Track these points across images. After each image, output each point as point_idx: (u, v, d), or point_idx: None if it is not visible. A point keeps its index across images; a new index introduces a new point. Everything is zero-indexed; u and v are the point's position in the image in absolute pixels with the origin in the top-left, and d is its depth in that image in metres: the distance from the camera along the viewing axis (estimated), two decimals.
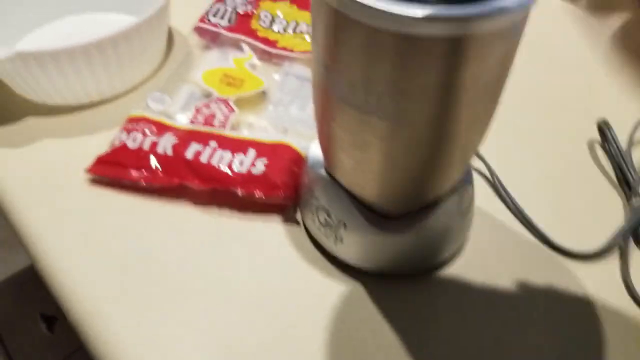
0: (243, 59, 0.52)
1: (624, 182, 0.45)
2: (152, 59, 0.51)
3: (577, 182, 0.46)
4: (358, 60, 0.27)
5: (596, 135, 0.49)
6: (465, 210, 0.39)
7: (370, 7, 0.24)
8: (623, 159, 0.46)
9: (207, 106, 0.47)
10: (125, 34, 0.45)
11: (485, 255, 0.40)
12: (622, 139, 0.48)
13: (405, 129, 0.29)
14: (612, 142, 0.47)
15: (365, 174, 0.33)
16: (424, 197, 0.35)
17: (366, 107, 0.28)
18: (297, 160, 0.43)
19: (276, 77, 0.52)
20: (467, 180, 0.38)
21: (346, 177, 0.35)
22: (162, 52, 0.54)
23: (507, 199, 0.44)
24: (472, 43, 0.25)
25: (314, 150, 0.40)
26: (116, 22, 0.57)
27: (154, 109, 0.47)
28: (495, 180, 0.45)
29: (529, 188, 0.45)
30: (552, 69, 0.57)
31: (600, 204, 0.44)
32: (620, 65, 0.57)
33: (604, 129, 0.47)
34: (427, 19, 0.23)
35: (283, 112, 0.49)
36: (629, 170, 0.45)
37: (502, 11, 0.24)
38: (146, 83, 0.52)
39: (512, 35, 0.27)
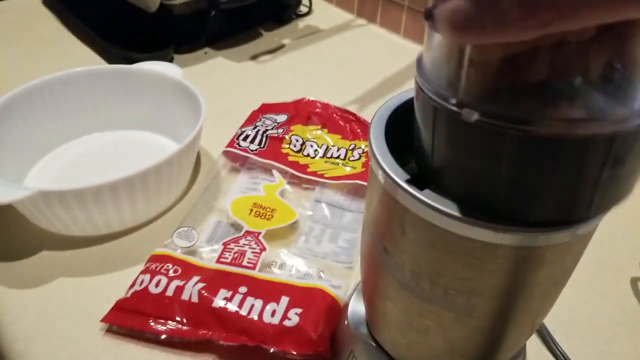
0: (274, 185, 0.50)
1: None
2: (179, 187, 0.50)
3: (627, 327, 0.42)
4: (427, 255, 0.24)
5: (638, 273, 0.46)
6: None
7: (454, 217, 0.22)
8: None
9: (236, 242, 0.44)
10: (155, 168, 0.43)
11: None
12: None
13: (471, 320, 0.26)
14: None
15: (421, 353, 0.30)
16: None
17: (430, 297, 0.26)
18: (333, 307, 0.40)
19: (306, 204, 0.50)
20: (521, 346, 0.35)
21: (396, 351, 0.32)
22: (189, 178, 0.52)
23: (556, 350, 0.40)
24: (550, 250, 0.23)
25: (355, 307, 0.36)
26: (143, 140, 0.56)
27: (180, 246, 0.44)
28: (543, 329, 0.41)
29: (576, 336, 0.41)
30: None
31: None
32: None
33: None
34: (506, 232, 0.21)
35: (315, 244, 0.46)
36: None
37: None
38: (172, 209, 0.50)
39: (592, 233, 0.24)
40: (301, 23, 0.81)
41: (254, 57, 0.72)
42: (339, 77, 0.69)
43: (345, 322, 0.37)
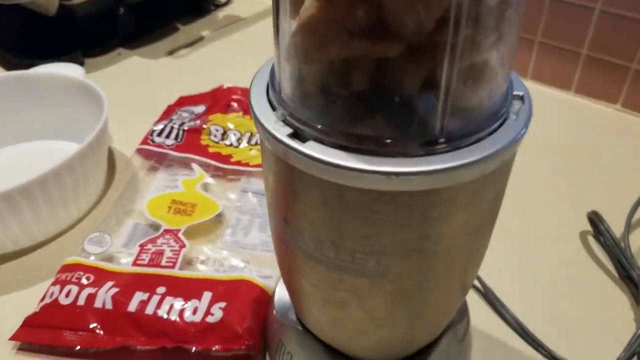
0: (193, 180, 0.47)
1: (627, 279, 0.41)
2: (90, 193, 0.46)
3: (577, 284, 0.41)
4: (325, 217, 0.22)
5: (587, 227, 0.45)
6: (462, 341, 0.33)
7: (338, 166, 0.19)
8: (623, 254, 0.41)
9: (154, 242, 0.41)
10: (54, 173, 0.39)
11: None
12: (616, 230, 0.44)
13: (388, 284, 0.24)
14: (607, 235, 0.42)
15: (346, 330, 0.27)
16: (416, 345, 0.29)
17: (338, 264, 0.23)
18: (262, 298, 0.37)
19: (232, 196, 0.47)
20: (461, 311, 0.33)
21: (323, 332, 0.29)
22: (102, 184, 0.48)
23: (505, 314, 0.39)
24: (457, 192, 0.20)
25: (280, 294, 0.34)
26: (49, 150, 0.52)
27: (92, 252, 0.40)
28: (489, 292, 0.40)
29: (526, 296, 0.40)
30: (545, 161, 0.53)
31: (605, 305, 0.39)
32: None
33: (595, 221, 0.43)
34: (402, 175, 0.19)
35: (242, 236, 0.43)
36: (631, 266, 0.40)
37: (489, 158, 0.20)
38: (85, 218, 0.46)
39: (505, 172, 0.22)
40: (221, 13, 0.78)
41: (171, 53, 0.68)
42: (259, 64, 0.66)
43: (274, 312, 0.34)
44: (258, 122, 0.22)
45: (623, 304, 0.39)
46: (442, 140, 0.20)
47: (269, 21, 0.77)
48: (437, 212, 0.21)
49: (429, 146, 0.20)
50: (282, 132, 0.21)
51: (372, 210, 0.21)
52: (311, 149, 0.20)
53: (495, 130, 0.21)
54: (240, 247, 0.42)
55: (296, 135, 0.21)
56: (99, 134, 0.43)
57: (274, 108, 0.22)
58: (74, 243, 0.42)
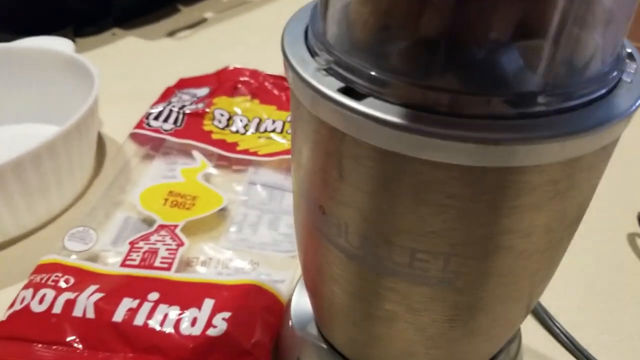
0: (194, 169, 0.41)
1: None
2: (74, 183, 0.40)
3: (630, 291, 0.35)
4: (380, 203, 0.16)
5: (636, 229, 0.40)
6: None
7: (412, 130, 0.14)
8: None
9: (146, 239, 0.35)
10: (33, 156, 0.34)
11: None
12: None
13: (453, 295, 0.18)
14: None
15: (387, 351, 0.21)
16: None
17: (391, 268, 0.17)
18: (274, 306, 0.31)
19: (238, 188, 0.41)
20: None
21: (354, 352, 0.23)
22: (89, 172, 0.42)
23: (554, 328, 0.33)
24: (562, 171, 0.15)
25: (299, 302, 0.28)
26: (38, 136, 0.46)
27: (73, 250, 0.34)
28: (539, 309, 0.34)
29: (575, 307, 0.34)
30: None
31: None
32: None
33: None
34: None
35: (250, 233, 0.37)
36: None
37: (609, 125, 0.14)
38: (69, 210, 0.40)
39: (610, 153, 0.17)
40: None
41: (171, 34, 0.63)
42: (270, 47, 0.61)
43: (290, 323, 0.28)
44: (294, 72, 0.16)
45: None
46: (542, 100, 0.14)
47: (277, 3, 0.71)
48: (534, 197, 0.15)
49: (524, 107, 0.14)
50: (328, 85, 0.15)
51: (448, 193, 0.15)
52: (371, 106, 0.14)
53: (609, 92, 0.16)
54: (248, 246, 0.36)
55: (348, 90, 0.15)
56: (87, 114, 0.37)
57: (314, 55, 0.17)
58: (54, 239, 0.37)
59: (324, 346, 0.25)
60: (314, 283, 0.23)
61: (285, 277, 0.34)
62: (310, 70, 0.16)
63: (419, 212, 0.16)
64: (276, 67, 0.55)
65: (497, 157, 0.14)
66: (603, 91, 0.15)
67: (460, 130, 0.14)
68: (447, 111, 0.14)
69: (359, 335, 0.22)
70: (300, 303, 0.28)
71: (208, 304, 0.30)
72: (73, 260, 0.33)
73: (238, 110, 0.46)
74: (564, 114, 0.14)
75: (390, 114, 0.14)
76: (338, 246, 0.18)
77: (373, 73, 0.15)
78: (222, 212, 0.38)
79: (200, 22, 0.65)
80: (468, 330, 0.20)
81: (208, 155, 0.43)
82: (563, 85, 0.14)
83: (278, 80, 0.49)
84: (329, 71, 0.16)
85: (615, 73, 0.16)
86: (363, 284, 0.19)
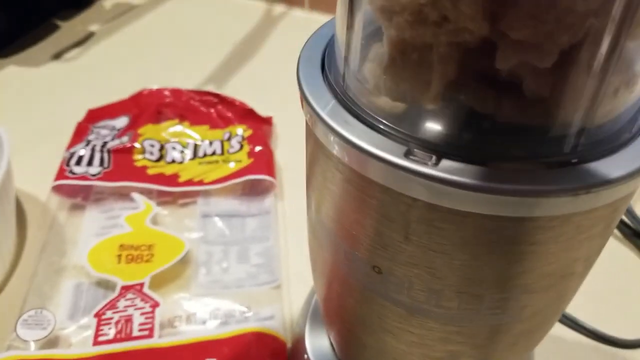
0: (140, 214, 0.37)
1: (638, 238, 0.38)
2: (2, 255, 0.34)
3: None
4: (453, 260, 0.15)
5: None
6: None
7: (507, 192, 0.13)
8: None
9: (114, 307, 0.31)
10: None
11: None
12: None
13: (519, 325, 0.18)
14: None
15: None
16: None
17: (459, 315, 0.17)
18: (277, 351, 0.29)
19: (191, 224, 0.38)
20: None
21: None
22: (14, 239, 0.36)
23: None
24: (619, 204, 0.15)
25: (316, 343, 0.27)
26: None
27: (32, 339, 0.30)
28: None
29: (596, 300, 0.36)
30: None
31: (621, 267, 0.36)
32: None
33: None
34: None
35: (220, 273, 0.35)
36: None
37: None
38: (4, 290, 0.34)
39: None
40: (108, 3, 0.65)
41: (57, 56, 0.55)
42: (178, 57, 0.56)
43: (305, 357, 0.27)
44: (341, 138, 0.15)
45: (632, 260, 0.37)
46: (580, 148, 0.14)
47: (166, 6, 0.66)
48: (598, 229, 0.15)
49: (561, 155, 0.14)
50: (392, 151, 0.14)
51: (530, 242, 0.15)
52: (449, 172, 0.13)
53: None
54: (223, 287, 0.34)
55: (409, 153, 0.14)
56: (4, 179, 0.32)
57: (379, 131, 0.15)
58: (1, 330, 0.31)
59: None
60: (350, 333, 0.21)
61: (274, 312, 0.32)
62: (367, 137, 0.14)
63: (499, 264, 0.15)
64: (189, 79, 0.51)
65: (590, 201, 0.14)
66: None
67: (544, 185, 0.13)
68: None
69: None
70: (315, 339, 0.27)
71: None
72: (34, 352, 0.29)
73: (169, 137, 0.42)
74: (599, 161, 0.14)
75: (468, 177, 0.13)
76: (396, 302, 0.17)
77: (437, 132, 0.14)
78: (184, 257, 0.35)
79: (87, 38, 0.58)
80: (523, 347, 0.20)
81: (146, 194, 0.39)
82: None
83: (204, 96, 0.46)
84: (385, 133, 0.14)
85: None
86: (426, 333, 0.18)
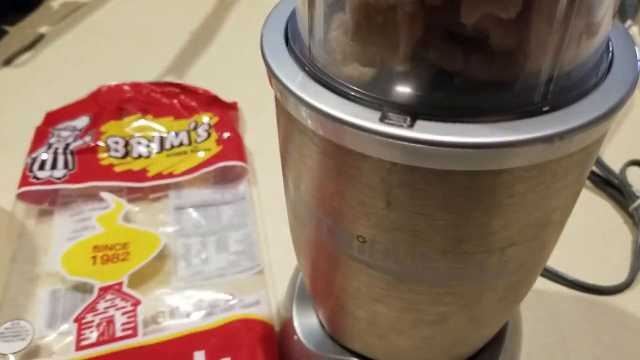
0: (111, 213, 0.36)
1: (608, 186, 0.39)
2: None
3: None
4: (440, 222, 0.15)
5: None
6: None
7: (483, 145, 0.13)
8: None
9: (94, 309, 0.30)
10: None
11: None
12: None
13: (505, 279, 0.18)
14: None
15: (433, 346, 0.21)
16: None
17: (448, 275, 0.17)
18: (266, 335, 0.29)
19: (165, 218, 0.37)
20: None
21: (389, 354, 0.23)
22: None
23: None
24: (591, 150, 0.15)
25: (305, 322, 0.26)
26: None
27: (10, 352, 0.29)
28: None
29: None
30: None
31: (594, 215, 0.37)
32: None
33: None
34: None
35: (201, 264, 0.34)
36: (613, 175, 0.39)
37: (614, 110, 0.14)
38: None
39: None
40: (55, 3, 0.63)
41: (8, 62, 0.53)
42: (133, 51, 0.55)
43: (297, 340, 0.27)
44: (308, 106, 0.14)
45: (607, 209, 0.38)
46: (550, 96, 0.14)
47: (115, 0, 0.64)
48: (574, 175, 0.16)
49: (532, 104, 0.14)
50: (366, 117, 0.14)
51: (510, 193, 0.15)
52: (426, 130, 0.13)
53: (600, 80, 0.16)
54: (204, 278, 0.34)
55: (384, 117, 0.14)
56: None
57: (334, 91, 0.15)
58: None
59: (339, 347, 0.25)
60: (338, 307, 0.21)
61: (259, 297, 0.32)
62: (338, 104, 0.14)
63: (482, 220, 0.15)
64: (148, 72, 0.50)
65: (564, 147, 0.14)
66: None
67: (529, 131, 0.13)
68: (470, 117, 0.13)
69: (403, 342, 0.21)
70: (305, 322, 0.27)
71: (199, 357, 0.28)
72: None
73: (133, 132, 0.41)
74: (576, 104, 0.14)
75: (444, 134, 0.13)
76: (384, 269, 0.18)
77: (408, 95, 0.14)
78: (161, 252, 0.35)
79: (37, 41, 0.56)
80: (510, 302, 0.20)
81: (116, 192, 0.38)
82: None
83: (165, 87, 0.45)
84: (357, 100, 0.14)
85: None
86: (416, 297, 0.18)
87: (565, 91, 0.14)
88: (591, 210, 0.38)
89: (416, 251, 0.16)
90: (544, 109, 0.14)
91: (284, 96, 0.16)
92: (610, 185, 0.38)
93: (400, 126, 0.14)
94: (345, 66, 0.15)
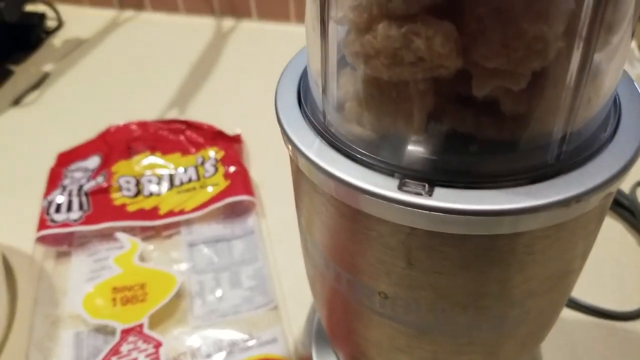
0: (127, 254, 0.37)
1: (619, 206, 0.39)
2: None
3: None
4: (460, 280, 0.16)
5: None
6: None
7: (505, 212, 0.13)
8: None
9: (117, 352, 0.31)
10: None
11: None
12: None
13: (524, 327, 0.18)
14: None
15: None
16: None
17: (472, 327, 0.17)
18: None
19: (177, 255, 0.38)
20: None
21: None
22: (4, 295, 0.36)
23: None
24: (605, 203, 0.16)
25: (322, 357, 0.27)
26: None
27: None
28: None
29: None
30: None
31: (608, 240, 0.37)
32: None
33: None
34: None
35: (216, 302, 0.35)
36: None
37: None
38: (4, 350, 0.34)
39: None
40: (57, 41, 0.64)
41: (17, 102, 0.54)
42: (136, 86, 0.56)
43: None
44: (332, 178, 0.15)
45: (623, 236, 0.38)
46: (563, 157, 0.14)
47: (116, 34, 0.65)
48: (591, 227, 0.16)
49: (546, 167, 0.14)
50: (385, 186, 0.14)
51: (529, 252, 0.15)
52: (445, 199, 0.14)
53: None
54: (220, 316, 0.34)
55: (403, 185, 0.14)
56: None
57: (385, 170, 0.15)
58: None
59: None
60: (362, 352, 0.22)
61: (275, 335, 0.32)
62: (361, 174, 0.15)
63: (502, 276, 0.16)
64: (152, 107, 0.51)
65: (581, 207, 0.14)
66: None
67: (537, 200, 0.14)
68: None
69: None
70: (324, 359, 0.27)
71: None
72: None
73: (143, 171, 0.42)
74: (582, 168, 0.14)
75: (464, 202, 0.14)
76: (406, 323, 0.18)
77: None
78: (178, 291, 0.35)
79: (43, 79, 0.57)
80: (532, 344, 0.20)
81: (129, 231, 0.38)
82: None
83: (170, 124, 0.45)
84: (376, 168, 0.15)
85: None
86: (437, 348, 0.18)
87: (577, 150, 0.15)
88: (602, 232, 0.38)
89: (438, 307, 0.17)
90: (558, 171, 0.14)
91: (300, 161, 0.16)
92: (621, 206, 0.38)
93: (419, 194, 0.14)
94: (360, 134, 0.15)
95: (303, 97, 0.18)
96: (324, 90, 0.16)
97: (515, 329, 0.18)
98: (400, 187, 0.14)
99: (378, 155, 0.15)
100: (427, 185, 0.14)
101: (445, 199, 0.14)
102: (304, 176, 0.17)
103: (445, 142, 0.15)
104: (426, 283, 0.16)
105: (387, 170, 0.15)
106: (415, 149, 0.15)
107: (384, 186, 0.14)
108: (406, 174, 0.14)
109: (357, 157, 0.15)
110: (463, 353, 0.19)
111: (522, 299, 0.17)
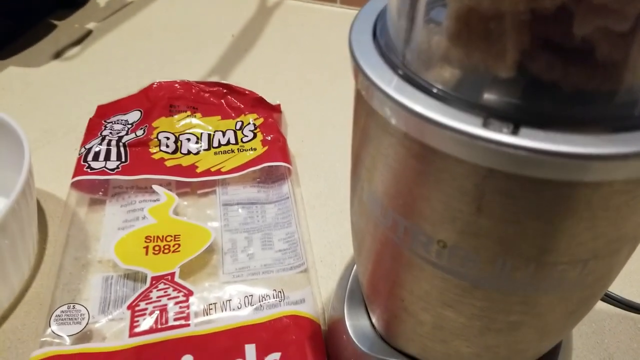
0: (163, 205, 0.37)
1: None
2: (27, 252, 0.34)
3: None
4: (530, 229, 0.15)
5: None
6: None
7: (593, 157, 0.13)
8: None
9: (147, 298, 0.31)
10: None
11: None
12: None
13: (582, 292, 0.18)
14: None
15: (496, 354, 0.21)
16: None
17: (526, 284, 0.17)
18: (314, 333, 0.30)
19: (213, 213, 0.38)
20: None
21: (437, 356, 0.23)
22: (36, 236, 0.36)
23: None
24: None
25: (357, 324, 0.27)
26: None
27: (67, 335, 0.29)
28: None
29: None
30: None
31: None
32: None
33: None
34: None
35: (247, 259, 0.35)
36: None
37: None
38: (29, 290, 0.34)
39: None
40: (101, 0, 0.64)
41: (58, 55, 0.55)
42: (177, 51, 0.56)
43: (347, 340, 0.27)
44: (406, 110, 0.15)
45: None
46: None
47: (159, 1, 0.65)
48: None
49: (633, 118, 0.14)
50: (468, 121, 0.14)
51: (605, 207, 0.15)
52: (531, 138, 0.14)
53: None
54: (252, 273, 0.34)
55: (487, 123, 0.14)
56: (27, 180, 0.31)
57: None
58: (28, 326, 0.31)
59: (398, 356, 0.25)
60: (404, 307, 0.22)
61: (304, 296, 0.32)
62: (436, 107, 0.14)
63: (573, 231, 0.15)
64: (192, 72, 0.51)
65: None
66: None
67: (625, 147, 0.13)
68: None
69: (465, 349, 0.21)
70: (357, 323, 0.27)
71: (250, 350, 0.28)
72: (69, 346, 0.29)
73: (183, 129, 0.42)
74: None
75: (549, 143, 0.13)
76: (461, 275, 0.18)
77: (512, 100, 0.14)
78: (209, 245, 0.35)
79: (85, 36, 0.57)
80: (579, 315, 0.20)
81: (165, 185, 0.39)
82: None
83: (212, 87, 0.46)
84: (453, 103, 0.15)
85: None
86: (489, 305, 0.18)
87: None
88: None
89: (499, 259, 0.17)
90: None
91: (376, 98, 0.16)
92: None
93: (504, 133, 0.14)
94: (444, 71, 0.15)
95: (379, 35, 0.18)
96: (410, 27, 0.16)
97: (570, 293, 0.18)
98: (485, 125, 0.14)
99: (461, 94, 0.15)
100: (512, 125, 0.14)
101: (532, 138, 0.14)
102: (373, 118, 0.17)
103: (532, 85, 0.14)
104: (492, 232, 0.16)
105: (471, 108, 0.15)
106: (501, 90, 0.14)
107: (469, 123, 0.14)
108: (490, 114, 0.14)
109: (439, 94, 0.15)
110: (513, 313, 0.18)
111: (585, 260, 0.16)
